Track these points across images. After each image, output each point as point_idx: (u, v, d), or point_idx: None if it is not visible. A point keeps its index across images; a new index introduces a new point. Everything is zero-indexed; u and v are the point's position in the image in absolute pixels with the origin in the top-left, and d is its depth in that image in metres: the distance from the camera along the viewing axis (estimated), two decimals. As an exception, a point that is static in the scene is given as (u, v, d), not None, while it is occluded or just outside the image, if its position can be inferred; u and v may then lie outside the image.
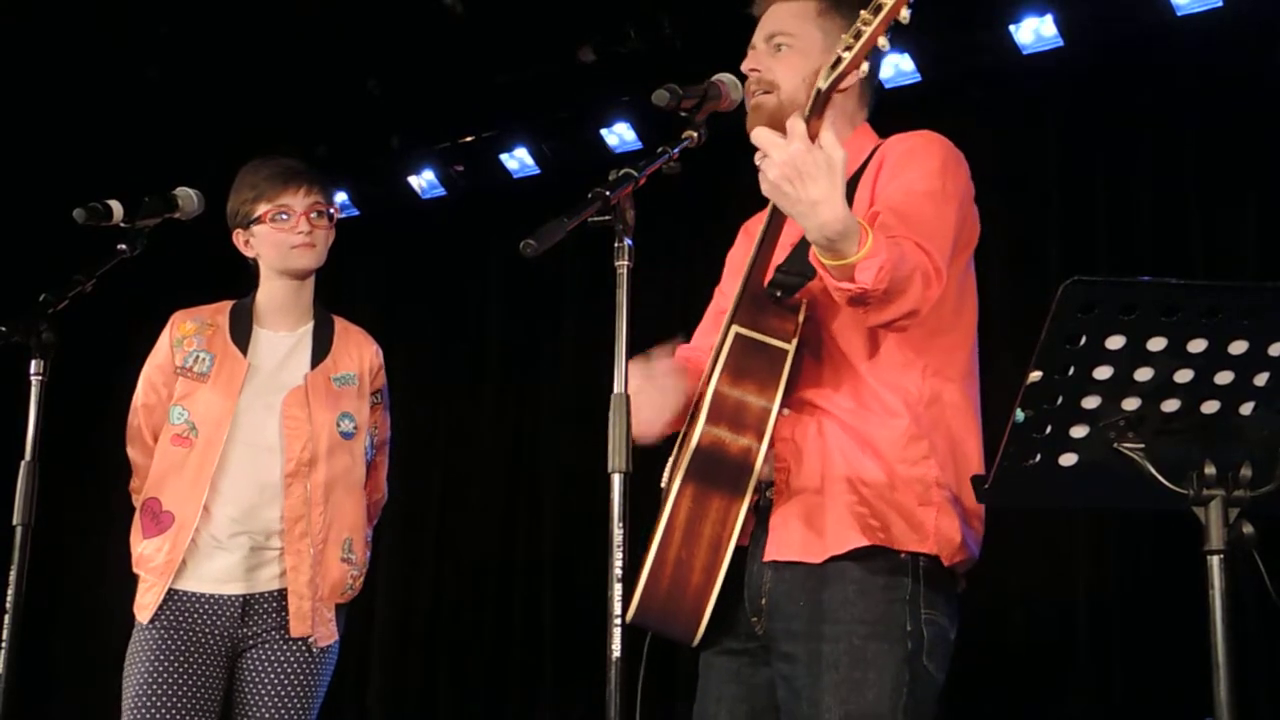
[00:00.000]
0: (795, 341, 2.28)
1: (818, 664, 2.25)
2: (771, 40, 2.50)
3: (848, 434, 2.33)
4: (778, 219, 2.32)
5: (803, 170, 2.02)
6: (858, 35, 2.06)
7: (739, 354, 2.29)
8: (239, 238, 3.22)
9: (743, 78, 2.47)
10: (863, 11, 2.05)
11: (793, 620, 2.29)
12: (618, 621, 2.03)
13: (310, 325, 3.26)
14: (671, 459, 2.53)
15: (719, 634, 2.37)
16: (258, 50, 5.27)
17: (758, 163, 2.10)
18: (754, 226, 2.70)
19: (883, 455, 2.31)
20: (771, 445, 2.28)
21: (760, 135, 2.08)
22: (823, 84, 2.10)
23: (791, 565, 2.31)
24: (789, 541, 2.31)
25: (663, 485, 2.49)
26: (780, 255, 2.36)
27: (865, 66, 2.09)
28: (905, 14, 2.02)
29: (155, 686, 3.02)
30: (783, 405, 2.29)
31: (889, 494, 2.29)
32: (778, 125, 2.42)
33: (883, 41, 2.05)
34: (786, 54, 2.48)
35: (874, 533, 2.28)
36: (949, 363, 2.41)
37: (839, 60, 2.08)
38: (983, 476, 2.00)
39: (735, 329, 2.28)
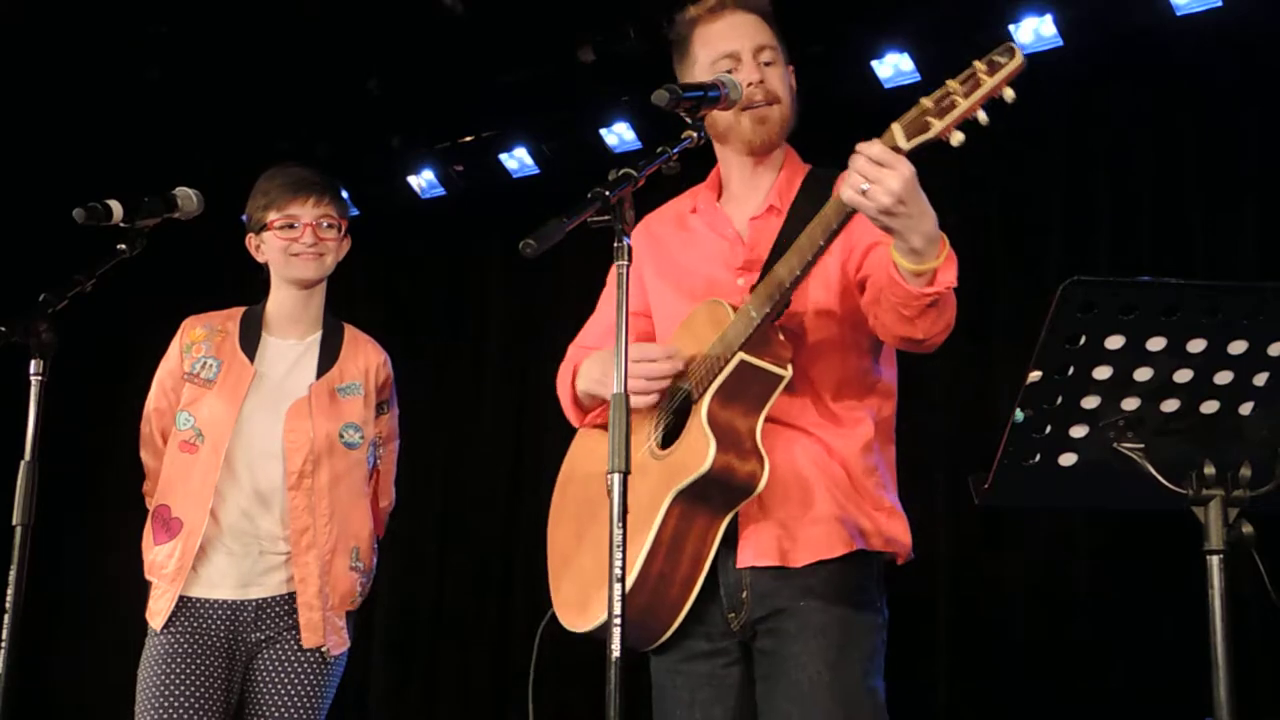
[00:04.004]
0: (790, 368, 2.38)
1: (807, 631, 2.37)
2: (759, 54, 2.56)
3: (818, 445, 2.46)
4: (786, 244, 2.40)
5: (915, 188, 2.12)
6: (947, 105, 2.09)
7: (738, 379, 2.37)
8: (251, 243, 3.23)
9: None
10: (950, 81, 2.10)
11: (778, 598, 2.40)
12: (618, 621, 2.03)
13: (319, 334, 3.26)
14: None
15: (687, 638, 2.46)
16: (258, 50, 5.27)
17: (860, 188, 2.12)
18: (658, 227, 2.74)
19: (848, 464, 2.46)
20: None
21: (878, 154, 2.12)
22: (905, 144, 2.13)
23: (774, 569, 2.41)
24: (767, 549, 2.42)
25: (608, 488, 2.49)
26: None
27: (960, 137, 2.12)
28: (1009, 94, 2.08)
29: (167, 692, 3.02)
30: None
31: (857, 501, 2.45)
32: (780, 137, 2.58)
33: (982, 116, 2.10)
34: (775, 67, 2.57)
35: (851, 540, 2.42)
36: (890, 383, 2.58)
37: (927, 125, 2.10)
38: (982, 477, 2.01)
39: (741, 356, 2.35)
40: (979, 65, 2.08)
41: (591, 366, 2.61)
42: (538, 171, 5.63)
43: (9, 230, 5.76)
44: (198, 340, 3.22)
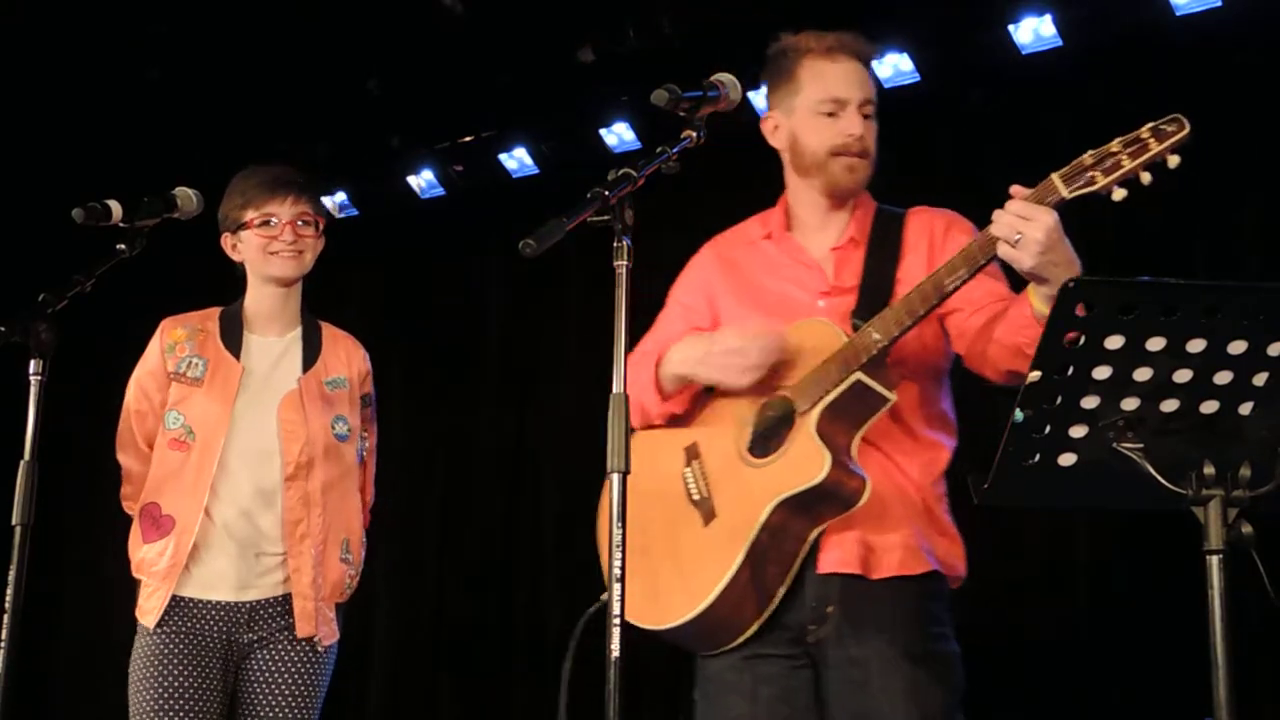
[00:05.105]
0: (895, 393, 2.47)
1: (901, 662, 2.43)
2: (863, 107, 2.63)
3: (896, 468, 2.54)
4: (883, 271, 2.56)
5: (1059, 238, 2.25)
6: (1112, 165, 2.24)
7: (850, 396, 2.45)
8: (227, 242, 3.23)
9: (746, 75, 2.52)
10: (1114, 142, 2.24)
11: (863, 624, 2.45)
12: (617, 621, 2.03)
13: (299, 330, 3.28)
14: (695, 471, 2.61)
15: (756, 640, 2.51)
16: (258, 50, 5.27)
17: (1013, 239, 2.25)
18: (728, 250, 2.80)
19: (922, 489, 2.56)
20: None
21: (1019, 208, 2.27)
22: (1067, 194, 2.28)
23: (855, 578, 2.48)
24: (849, 557, 2.48)
25: (695, 497, 2.59)
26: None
27: (1123, 193, 2.25)
28: (1174, 160, 2.22)
29: (164, 694, 3.02)
30: None
31: (928, 523, 2.54)
32: (862, 187, 2.66)
33: (1146, 177, 2.23)
34: (871, 122, 2.64)
35: (926, 560, 2.52)
36: (953, 417, 2.68)
37: (1093, 180, 2.25)
38: (982, 476, 2.01)
39: (858, 375, 2.43)
40: (1145, 131, 2.24)
41: (685, 348, 2.63)
42: (537, 171, 5.63)
43: (9, 230, 5.76)
44: (180, 340, 3.22)
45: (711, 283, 2.77)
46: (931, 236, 2.63)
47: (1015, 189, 2.32)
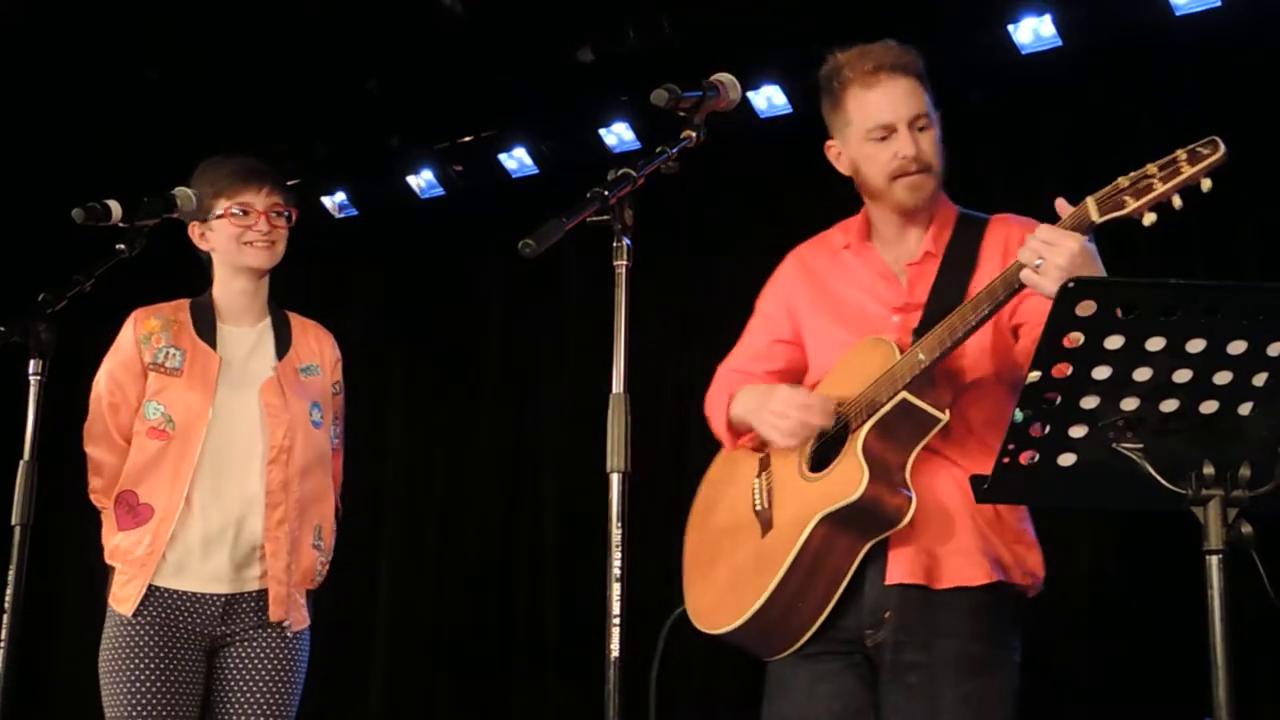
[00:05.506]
0: (948, 413, 2.46)
1: (953, 669, 2.45)
2: (914, 123, 2.60)
3: (965, 476, 2.50)
4: (950, 283, 2.56)
5: (1085, 261, 2.25)
6: (1144, 188, 2.22)
7: (897, 415, 2.46)
8: (195, 230, 3.22)
9: (746, 76, 2.53)
10: (1150, 165, 2.21)
11: (920, 630, 2.46)
12: (616, 621, 2.03)
13: (269, 320, 3.29)
14: (763, 482, 2.66)
15: (813, 642, 2.54)
16: (257, 50, 5.27)
17: (1034, 264, 2.24)
18: (811, 259, 2.82)
19: None
20: None
21: (1044, 234, 2.26)
22: (1096, 218, 2.27)
23: (918, 588, 2.48)
24: (914, 568, 2.49)
25: (758, 507, 2.64)
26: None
27: (1153, 217, 2.23)
28: (1207, 184, 2.18)
29: (141, 684, 3.03)
30: None
31: (999, 532, 2.54)
32: (931, 198, 2.63)
33: (1177, 201, 2.21)
34: (928, 132, 2.62)
35: (991, 571, 2.52)
36: None
37: (1122, 203, 2.23)
38: (983, 476, 2.01)
39: (904, 394, 2.44)
40: (1181, 154, 2.20)
41: (746, 397, 2.70)
42: (537, 171, 5.64)
43: (9, 230, 5.76)
44: (154, 331, 3.21)
45: (792, 293, 2.79)
46: (1007, 248, 2.61)
47: (1059, 204, 2.31)
